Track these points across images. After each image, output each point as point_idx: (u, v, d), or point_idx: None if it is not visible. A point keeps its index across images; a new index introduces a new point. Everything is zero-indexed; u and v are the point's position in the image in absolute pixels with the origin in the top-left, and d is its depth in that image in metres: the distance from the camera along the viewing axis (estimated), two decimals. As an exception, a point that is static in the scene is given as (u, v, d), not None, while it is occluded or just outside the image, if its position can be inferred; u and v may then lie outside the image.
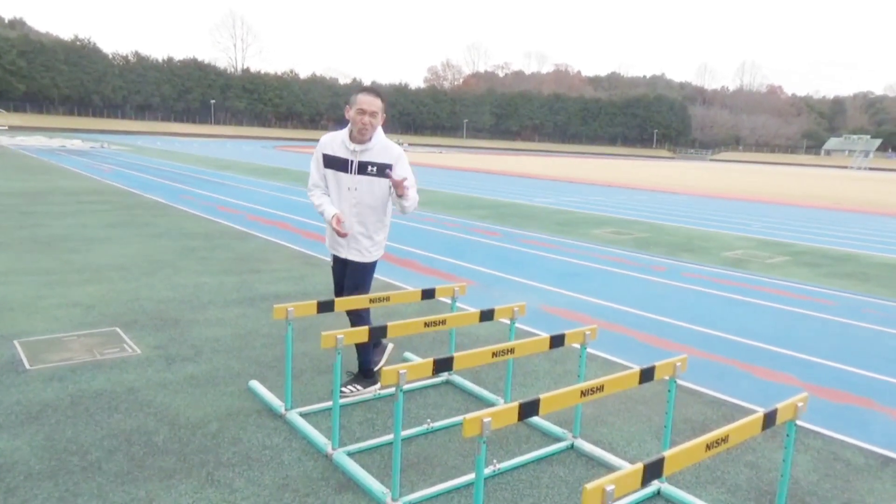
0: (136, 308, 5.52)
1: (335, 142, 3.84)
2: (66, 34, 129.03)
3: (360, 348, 3.99)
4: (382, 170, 3.78)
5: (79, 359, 4.28)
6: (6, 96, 77.79)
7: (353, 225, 3.88)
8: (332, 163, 3.84)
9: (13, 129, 62.95)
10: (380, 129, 3.83)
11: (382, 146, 3.81)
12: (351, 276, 3.98)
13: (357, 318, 3.93)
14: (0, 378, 3.90)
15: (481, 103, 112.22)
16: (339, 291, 4.10)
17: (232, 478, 2.94)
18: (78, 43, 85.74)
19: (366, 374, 4.00)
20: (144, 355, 4.42)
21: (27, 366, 4.11)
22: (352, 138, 3.78)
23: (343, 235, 3.80)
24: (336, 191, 3.87)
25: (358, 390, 3.93)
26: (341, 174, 3.83)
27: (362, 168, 3.78)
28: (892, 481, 3.24)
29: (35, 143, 38.56)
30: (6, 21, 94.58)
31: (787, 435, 2.53)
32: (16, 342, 4.52)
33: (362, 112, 3.67)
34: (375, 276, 4.20)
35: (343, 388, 3.91)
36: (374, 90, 3.79)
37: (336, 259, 4.06)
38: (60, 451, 3.08)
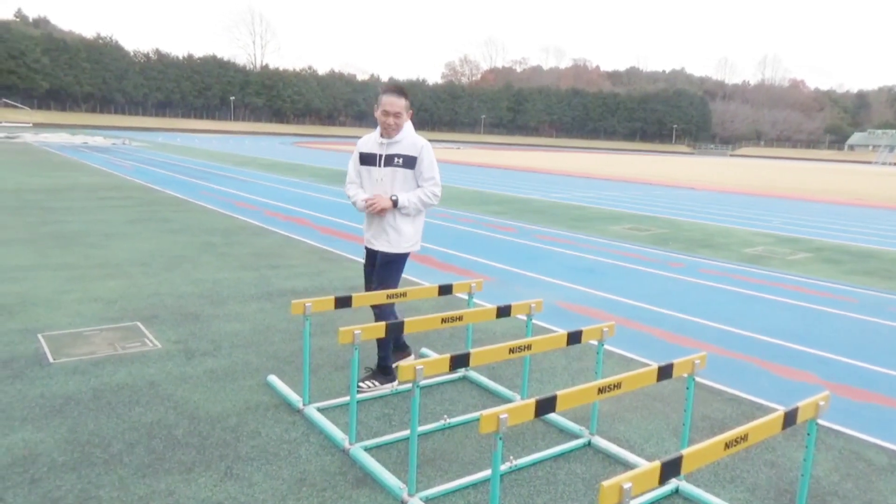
0: (157, 303, 5.59)
1: (370, 140, 4.01)
2: (88, 32, 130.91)
3: (380, 344, 4.01)
4: (409, 162, 3.88)
5: (101, 353, 4.34)
6: (30, 94, 79.06)
7: (376, 217, 3.97)
8: (365, 159, 4.00)
9: (37, 125, 63.94)
10: (408, 126, 3.93)
11: (408, 140, 3.91)
12: (379, 270, 4.02)
13: (381, 313, 3.95)
14: (24, 371, 3.97)
15: (498, 99, 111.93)
16: (368, 286, 4.15)
17: (250, 472, 2.97)
18: (100, 41, 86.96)
19: (384, 370, 4.01)
20: (165, 349, 4.48)
21: (51, 359, 4.18)
22: (382, 134, 3.93)
23: (381, 210, 3.86)
24: (368, 184, 4.01)
25: (375, 386, 3.95)
26: (372, 168, 3.97)
27: (389, 160, 3.90)
28: (916, 482, 3.18)
29: (58, 139, 39.16)
30: (30, 20, 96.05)
31: (809, 434, 2.50)
32: (39, 336, 4.60)
33: (386, 113, 3.80)
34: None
35: (360, 384, 3.93)
36: (397, 89, 3.86)
37: (368, 253, 4.13)
38: (83, 443, 3.13)
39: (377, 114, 3.84)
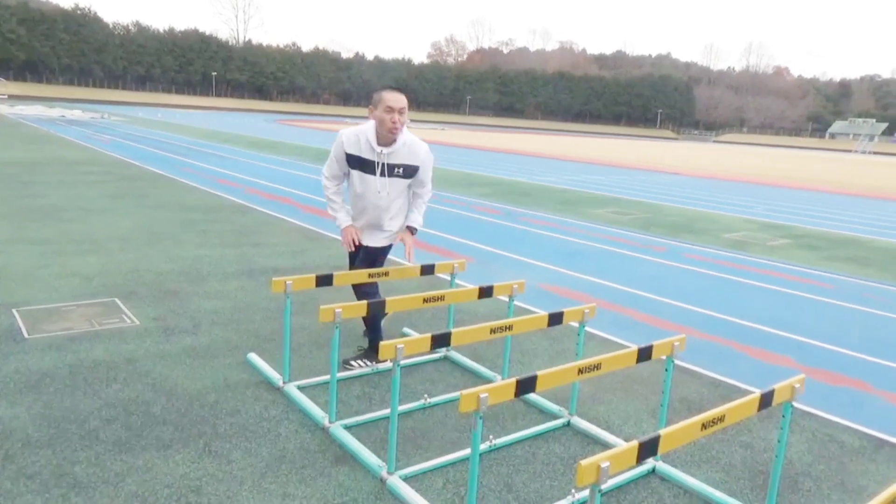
0: (136, 279, 5.52)
1: (360, 141, 3.70)
2: (66, 3, 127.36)
3: (367, 324, 4.00)
4: (409, 171, 3.75)
5: (78, 329, 4.28)
6: (6, 65, 77.14)
7: (374, 218, 3.89)
8: (358, 164, 3.74)
9: (13, 98, 62.53)
10: (405, 127, 3.72)
11: (408, 148, 3.70)
12: (364, 257, 3.97)
13: (362, 294, 3.90)
14: (-1, 346, 3.90)
15: (485, 80, 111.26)
16: (353, 266, 4.13)
17: (229, 449, 2.95)
18: (78, 12, 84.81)
19: (377, 349, 3.98)
20: (143, 326, 4.43)
21: (26, 335, 4.11)
22: (379, 140, 3.66)
23: (348, 246, 3.88)
24: (362, 191, 3.80)
25: (367, 364, 3.95)
26: (368, 176, 3.74)
27: (390, 170, 3.72)
28: (887, 463, 3.26)
29: (35, 112, 38.35)
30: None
31: (783, 416, 2.53)
32: (15, 311, 4.52)
33: (391, 110, 3.53)
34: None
35: (352, 362, 3.95)
36: (398, 88, 3.64)
37: None
38: (58, 419, 3.09)
39: (377, 112, 3.56)
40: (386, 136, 3.63)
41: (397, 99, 3.55)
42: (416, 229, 3.88)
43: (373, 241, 3.96)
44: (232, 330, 4.48)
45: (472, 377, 4.00)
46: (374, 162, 3.69)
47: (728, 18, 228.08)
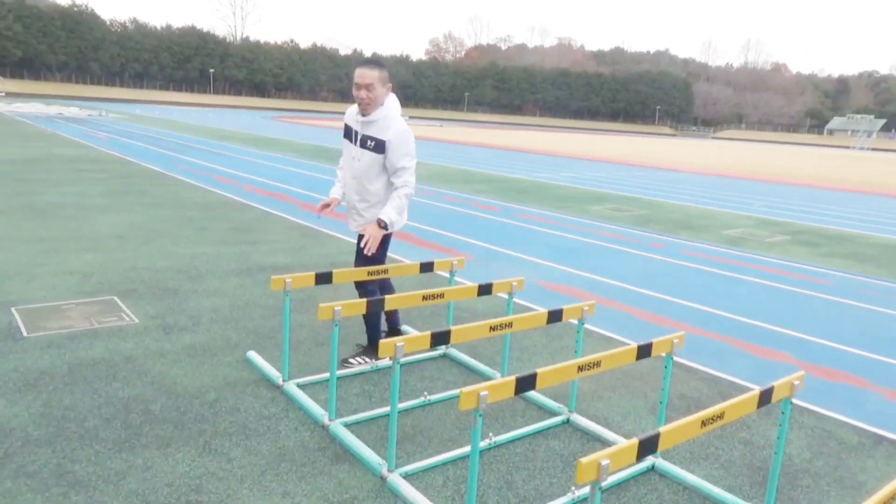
0: (134, 277, 5.51)
1: (353, 111, 3.84)
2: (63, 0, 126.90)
3: (368, 321, 3.99)
4: (379, 146, 3.69)
5: (77, 327, 4.28)
6: (3, 62, 76.88)
7: (352, 197, 3.89)
8: (346, 132, 3.90)
9: (10, 95, 62.32)
10: (389, 102, 3.70)
11: (383, 122, 3.68)
12: (358, 252, 3.95)
13: (364, 291, 3.90)
14: (-3, 345, 3.89)
15: (483, 77, 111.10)
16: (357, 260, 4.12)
17: (229, 447, 2.95)
18: (75, 9, 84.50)
19: (376, 347, 3.98)
20: (142, 324, 4.42)
21: (24, 333, 4.11)
22: (359, 110, 3.76)
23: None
24: (345, 160, 3.93)
25: (366, 362, 3.95)
26: (350, 144, 3.86)
27: (364, 141, 3.74)
28: (885, 460, 3.26)
29: (32, 109, 38.22)
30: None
31: (783, 412, 2.54)
32: (13, 309, 4.51)
33: (357, 86, 3.62)
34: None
35: (351, 360, 3.95)
36: (370, 61, 3.69)
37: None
38: (58, 418, 3.09)
39: (353, 91, 3.68)
40: (360, 109, 3.72)
41: (362, 75, 3.61)
42: (383, 222, 3.64)
43: (352, 223, 3.98)
44: (231, 328, 4.48)
45: (472, 375, 4.00)
46: (353, 130, 3.81)
47: (726, 15, 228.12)
